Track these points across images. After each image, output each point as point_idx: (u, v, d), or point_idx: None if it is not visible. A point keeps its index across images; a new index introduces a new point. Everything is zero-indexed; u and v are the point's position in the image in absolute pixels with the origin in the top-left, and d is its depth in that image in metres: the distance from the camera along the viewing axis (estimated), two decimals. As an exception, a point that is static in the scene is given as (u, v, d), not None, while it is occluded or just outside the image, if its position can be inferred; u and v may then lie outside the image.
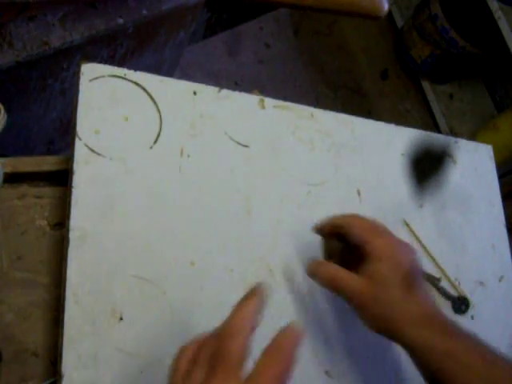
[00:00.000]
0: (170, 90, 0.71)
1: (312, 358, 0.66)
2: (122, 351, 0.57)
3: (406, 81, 2.28)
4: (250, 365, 0.45)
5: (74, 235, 0.59)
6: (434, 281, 0.77)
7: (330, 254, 0.66)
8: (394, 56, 2.31)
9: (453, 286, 0.79)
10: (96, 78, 0.66)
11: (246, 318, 0.47)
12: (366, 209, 0.77)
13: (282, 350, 0.45)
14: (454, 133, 2.11)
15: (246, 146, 0.73)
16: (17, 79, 0.78)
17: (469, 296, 0.79)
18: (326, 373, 0.66)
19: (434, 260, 0.79)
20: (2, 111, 0.55)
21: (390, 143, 0.83)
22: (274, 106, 0.77)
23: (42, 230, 0.63)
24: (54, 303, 0.60)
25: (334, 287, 0.60)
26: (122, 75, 0.68)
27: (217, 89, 0.74)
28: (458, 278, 0.80)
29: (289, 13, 2.16)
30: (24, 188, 0.64)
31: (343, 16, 1.97)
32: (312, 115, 0.79)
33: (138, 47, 0.92)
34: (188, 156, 0.69)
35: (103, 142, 0.64)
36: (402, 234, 0.79)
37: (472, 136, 2.02)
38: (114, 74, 0.68)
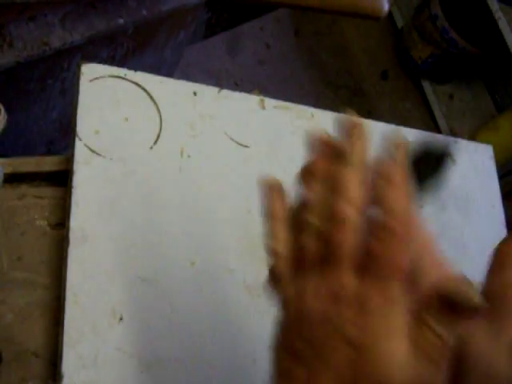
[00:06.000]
0: (170, 90, 0.71)
1: (312, 358, 0.66)
2: (121, 351, 0.57)
3: (406, 81, 2.28)
4: None
5: (74, 235, 0.59)
6: (434, 281, 0.77)
7: None
8: (394, 56, 2.31)
9: (453, 286, 0.79)
10: (96, 79, 0.66)
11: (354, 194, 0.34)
12: (366, 209, 0.77)
13: (397, 211, 0.33)
14: (454, 133, 2.11)
15: (246, 146, 0.73)
16: (17, 79, 0.78)
17: (469, 296, 0.79)
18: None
19: (434, 260, 0.79)
20: (2, 111, 0.55)
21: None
22: (274, 106, 0.77)
23: (42, 230, 0.63)
24: (54, 303, 0.60)
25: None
26: (122, 75, 0.68)
27: (217, 89, 0.74)
28: (458, 278, 0.80)
29: (289, 13, 2.15)
30: (24, 188, 0.64)
31: (343, 16, 1.97)
32: (312, 115, 0.79)
33: (138, 47, 0.92)
34: (188, 156, 0.69)
35: (103, 142, 0.64)
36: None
37: (472, 136, 2.02)
38: (114, 74, 0.68)
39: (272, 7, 1.16)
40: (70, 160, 0.63)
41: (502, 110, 2.17)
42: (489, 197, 0.89)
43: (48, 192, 0.65)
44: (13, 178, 0.63)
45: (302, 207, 0.36)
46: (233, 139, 0.72)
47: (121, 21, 0.79)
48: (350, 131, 0.36)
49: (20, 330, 0.58)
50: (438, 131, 2.12)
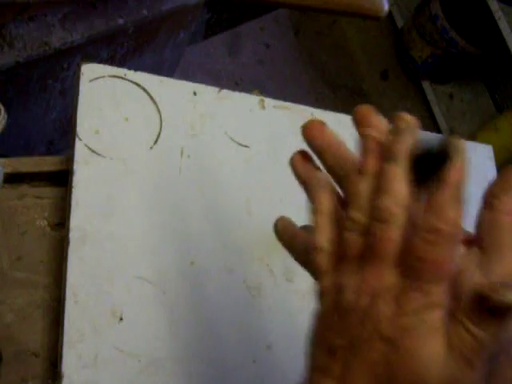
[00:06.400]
0: (170, 90, 0.71)
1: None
2: (122, 351, 0.57)
3: (406, 81, 2.28)
4: None
5: (74, 235, 0.59)
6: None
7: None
8: (394, 56, 2.31)
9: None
10: (96, 79, 0.66)
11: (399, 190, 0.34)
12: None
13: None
14: (453, 133, 2.11)
15: (246, 147, 0.73)
16: (17, 79, 0.78)
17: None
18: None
19: (433, 260, 0.79)
20: (2, 111, 0.55)
21: (390, 143, 0.83)
22: (274, 106, 0.77)
23: (42, 230, 0.63)
24: (54, 303, 0.60)
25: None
26: (122, 75, 0.68)
27: (217, 89, 0.74)
28: (458, 278, 0.80)
29: (289, 13, 2.15)
30: (24, 188, 0.64)
31: (343, 16, 1.97)
32: (312, 115, 0.79)
33: (138, 47, 0.92)
34: (188, 156, 0.69)
35: (103, 142, 0.64)
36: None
37: (472, 136, 2.02)
38: (114, 74, 0.68)
39: (272, 7, 1.16)
40: (69, 160, 0.63)
41: (502, 110, 2.17)
42: (489, 197, 0.89)
43: (48, 192, 0.65)
44: (13, 178, 0.63)
45: (349, 204, 0.37)
46: (233, 139, 0.72)
47: (121, 21, 0.79)
48: (398, 128, 0.36)
49: (20, 330, 0.58)
50: (438, 131, 2.12)
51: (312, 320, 0.38)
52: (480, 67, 2.20)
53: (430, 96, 2.19)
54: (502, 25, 1.84)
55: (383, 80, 2.26)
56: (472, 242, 0.35)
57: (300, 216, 0.73)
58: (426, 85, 2.21)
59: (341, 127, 0.81)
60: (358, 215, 0.35)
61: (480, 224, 0.35)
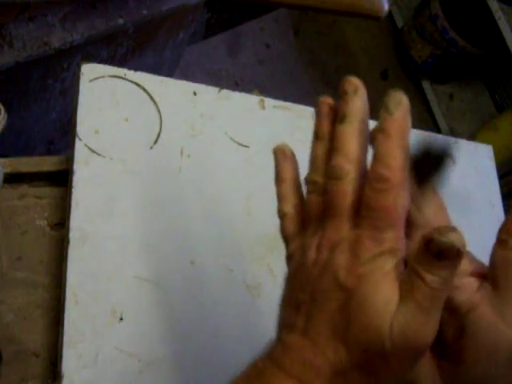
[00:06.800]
0: (170, 90, 0.71)
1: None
2: (122, 351, 0.57)
3: (406, 81, 2.28)
4: None
5: (73, 235, 0.59)
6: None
7: None
8: (394, 56, 2.30)
9: (453, 286, 0.79)
10: (96, 79, 0.66)
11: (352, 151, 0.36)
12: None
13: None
14: (454, 133, 2.11)
15: (246, 147, 0.73)
16: (17, 79, 0.78)
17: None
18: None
19: (433, 260, 0.79)
20: (2, 111, 0.55)
21: (389, 143, 0.83)
22: (274, 106, 0.77)
23: (42, 230, 0.63)
24: (54, 303, 0.60)
25: None
26: (122, 75, 0.68)
27: (217, 89, 0.74)
28: (458, 278, 0.80)
29: (289, 13, 2.15)
30: (24, 188, 0.64)
31: (343, 16, 1.97)
32: (312, 115, 0.79)
33: (138, 47, 0.92)
34: (188, 156, 0.69)
35: (103, 142, 0.64)
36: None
37: (472, 136, 2.02)
38: (114, 74, 0.68)
39: (272, 7, 1.16)
40: (70, 160, 0.63)
41: (502, 110, 2.17)
42: (489, 197, 0.89)
43: (48, 192, 0.65)
44: (13, 178, 0.63)
45: (309, 169, 0.39)
46: (233, 139, 0.72)
47: (121, 21, 0.79)
48: (345, 90, 0.38)
49: (20, 330, 0.58)
50: (438, 131, 2.12)
51: (282, 284, 0.39)
52: (480, 67, 2.20)
53: (430, 96, 2.19)
54: (502, 25, 1.84)
55: (383, 80, 2.26)
56: (485, 276, 0.35)
57: (300, 216, 0.73)
58: (425, 85, 2.21)
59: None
60: (316, 177, 0.38)
61: (493, 261, 0.35)
